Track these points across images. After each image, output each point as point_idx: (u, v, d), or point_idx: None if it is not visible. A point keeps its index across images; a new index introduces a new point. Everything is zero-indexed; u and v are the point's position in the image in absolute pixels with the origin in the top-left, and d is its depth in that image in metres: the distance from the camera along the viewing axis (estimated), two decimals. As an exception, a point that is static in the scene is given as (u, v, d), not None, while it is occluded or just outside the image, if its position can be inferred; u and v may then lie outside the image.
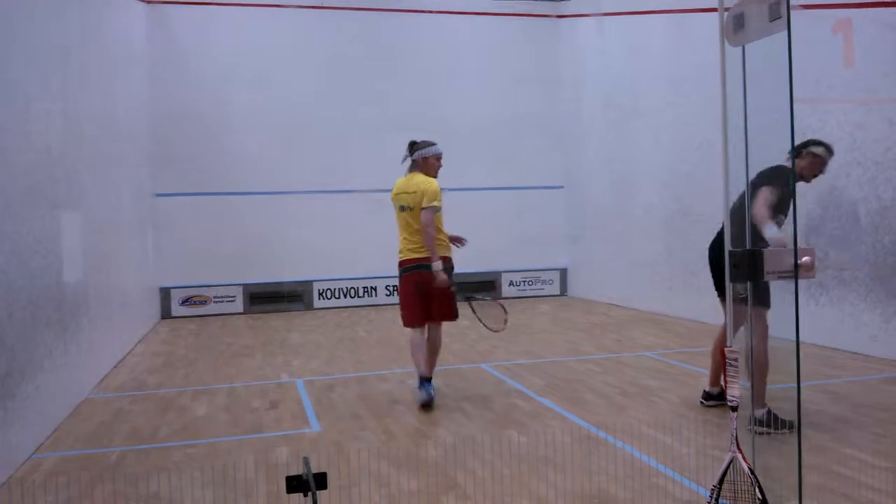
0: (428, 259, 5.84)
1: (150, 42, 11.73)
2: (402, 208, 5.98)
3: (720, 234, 5.53)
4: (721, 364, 5.38)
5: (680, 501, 3.76)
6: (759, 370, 4.73)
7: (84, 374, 6.62)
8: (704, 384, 6.34)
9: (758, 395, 4.77)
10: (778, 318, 3.09)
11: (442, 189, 6.01)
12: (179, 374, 7.50)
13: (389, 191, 6.19)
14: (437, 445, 4.82)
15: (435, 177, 6.03)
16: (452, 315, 6.04)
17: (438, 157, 6.04)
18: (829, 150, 5.20)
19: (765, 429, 4.63)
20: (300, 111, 12.52)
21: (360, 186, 12.50)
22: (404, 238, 6.03)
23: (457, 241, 6.22)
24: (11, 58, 4.98)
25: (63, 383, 5.82)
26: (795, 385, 2.89)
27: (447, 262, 5.97)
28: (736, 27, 3.09)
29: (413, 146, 6.07)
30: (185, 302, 12.08)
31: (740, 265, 2.98)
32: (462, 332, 9.75)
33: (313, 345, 8.99)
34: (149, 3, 11.82)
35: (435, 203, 5.82)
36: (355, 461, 4.50)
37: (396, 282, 6.27)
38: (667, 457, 4.38)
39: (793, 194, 2.90)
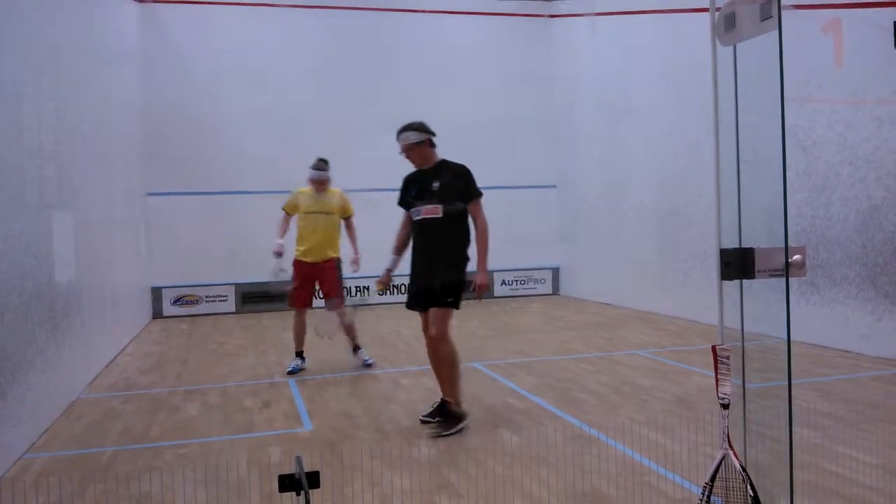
0: None
1: (143, 41, 11.69)
2: None
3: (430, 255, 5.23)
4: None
5: (672, 499, 3.78)
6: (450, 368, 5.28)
7: (76, 373, 6.60)
8: (698, 382, 6.39)
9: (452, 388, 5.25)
10: (769, 316, 3.11)
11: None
12: (171, 373, 7.48)
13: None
14: (429, 444, 4.83)
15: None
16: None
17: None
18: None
19: (445, 430, 5.03)
20: (293, 110, 12.50)
21: (352, 186, 12.41)
22: None
23: None
24: (2, 57, 4.96)
25: (55, 383, 5.80)
26: (787, 383, 2.91)
27: None
28: (727, 27, 3.10)
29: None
30: (177, 301, 12.04)
31: (732, 263, 3.00)
32: (453, 331, 9.75)
33: (305, 344, 8.97)
34: (142, 1, 11.78)
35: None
36: (348, 460, 4.50)
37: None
38: (659, 455, 4.40)
39: (784, 195, 2.91)
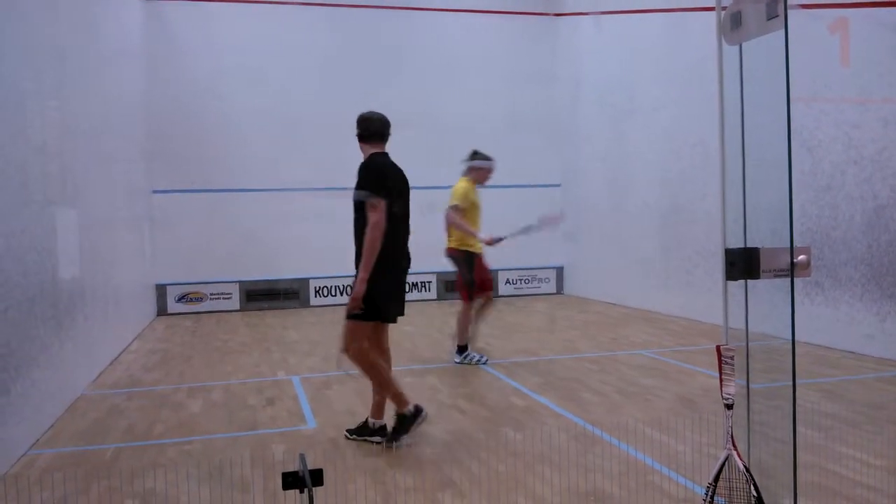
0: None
1: (147, 38, 11.70)
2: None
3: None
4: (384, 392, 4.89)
5: (675, 499, 3.77)
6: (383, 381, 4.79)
7: (79, 370, 6.61)
8: (701, 382, 6.37)
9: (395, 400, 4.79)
10: (774, 316, 3.10)
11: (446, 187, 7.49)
12: (175, 370, 7.49)
13: None
14: (432, 443, 4.83)
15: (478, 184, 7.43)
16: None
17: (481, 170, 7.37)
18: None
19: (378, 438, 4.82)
20: (297, 108, 12.50)
21: (352, 184, 12.46)
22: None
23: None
24: (5, 54, 4.96)
25: (58, 380, 5.81)
26: (791, 383, 2.90)
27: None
28: (733, 26, 3.09)
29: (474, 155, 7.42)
30: (181, 299, 12.06)
31: (736, 263, 2.99)
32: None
33: (309, 342, 8.99)
34: (145, -1, 11.80)
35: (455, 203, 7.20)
36: (351, 458, 4.50)
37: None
38: (662, 455, 4.39)
39: (790, 195, 2.90)
